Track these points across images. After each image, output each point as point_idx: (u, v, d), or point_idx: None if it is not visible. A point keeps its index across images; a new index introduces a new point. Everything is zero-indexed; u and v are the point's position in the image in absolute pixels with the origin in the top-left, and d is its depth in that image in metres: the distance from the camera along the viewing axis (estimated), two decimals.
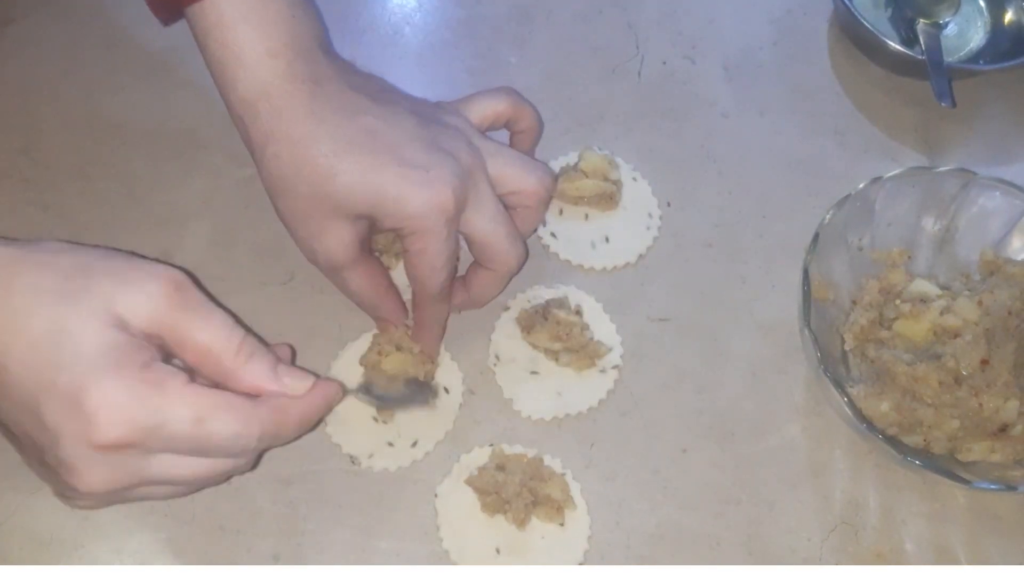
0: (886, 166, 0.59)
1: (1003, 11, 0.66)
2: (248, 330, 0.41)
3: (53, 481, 0.40)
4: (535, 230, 0.56)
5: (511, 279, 0.52)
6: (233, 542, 0.48)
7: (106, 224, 0.56)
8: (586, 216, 0.57)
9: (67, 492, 0.39)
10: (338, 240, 0.47)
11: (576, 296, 0.55)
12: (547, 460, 0.50)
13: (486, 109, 0.52)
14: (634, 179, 0.59)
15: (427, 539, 0.49)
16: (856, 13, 0.62)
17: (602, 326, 0.54)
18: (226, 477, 0.43)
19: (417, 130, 0.47)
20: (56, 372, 0.36)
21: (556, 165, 0.59)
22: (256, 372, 0.40)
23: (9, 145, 0.58)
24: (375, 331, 0.52)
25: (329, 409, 0.44)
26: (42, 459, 0.38)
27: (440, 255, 0.47)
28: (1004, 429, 0.50)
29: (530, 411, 0.52)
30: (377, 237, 0.54)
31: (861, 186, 0.53)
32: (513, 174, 0.49)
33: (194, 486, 0.43)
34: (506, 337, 0.53)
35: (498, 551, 0.48)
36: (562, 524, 0.48)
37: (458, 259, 0.50)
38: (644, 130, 0.62)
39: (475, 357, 0.53)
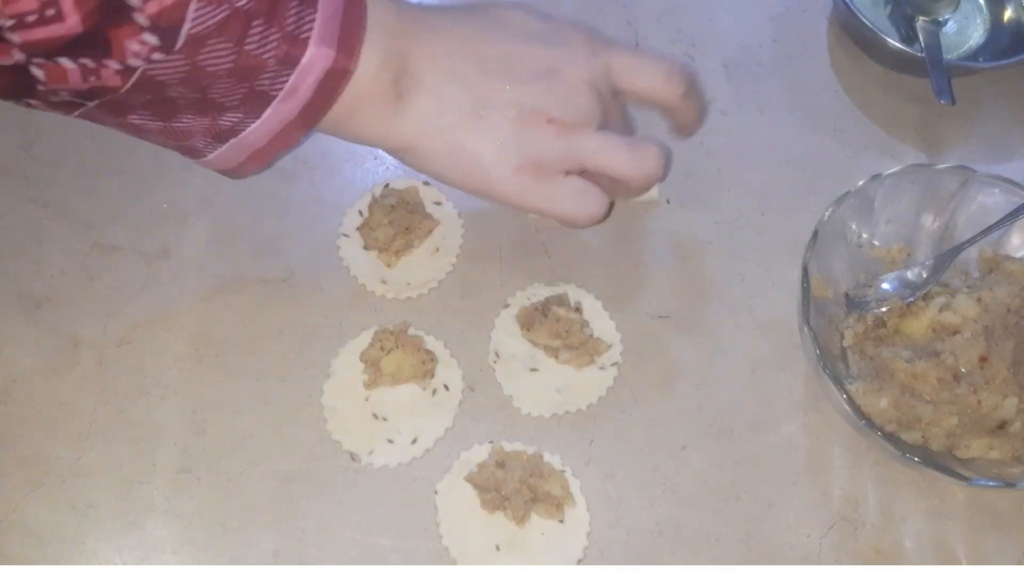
0: (885, 163, 0.59)
1: (1002, 8, 0.66)
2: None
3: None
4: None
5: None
6: (233, 539, 0.48)
7: (106, 221, 0.56)
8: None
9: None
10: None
11: (576, 293, 0.55)
12: (547, 457, 0.50)
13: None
14: None
15: (427, 536, 0.49)
16: (855, 10, 0.62)
17: (602, 323, 0.54)
18: None
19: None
20: None
21: None
22: None
23: (9, 142, 0.58)
24: (376, 328, 0.52)
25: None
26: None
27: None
28: (1003, 426, 0.50)
29: (530, 408, 0.52)
30: (376, 234, 0.54)
31: (860, 183, 0.53)
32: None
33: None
34: (506, 334, 0.53)
35: (498, 548, 0.48)
36: (562, 521, 0.49)
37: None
38: (643, 127, 0.62)
39: (475, 354, 0.53)
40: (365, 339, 0.52)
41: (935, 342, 0.51)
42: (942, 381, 0.49)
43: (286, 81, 0.41)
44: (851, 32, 0.65)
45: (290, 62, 0.41)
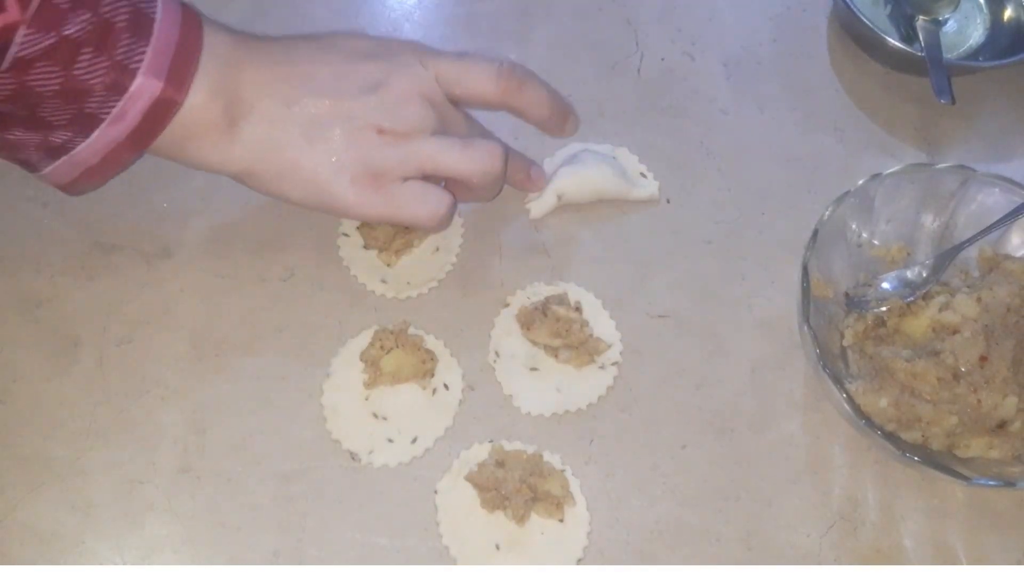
0: (885, 163, 0.59)
1: (1002, 8, 0.66)
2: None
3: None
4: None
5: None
6: (233, 538, 0.48)
7: (106, 221, 0.56)
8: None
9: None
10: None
11: (576, 292, 0.55)
12: (547, 456, 0.50)
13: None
14: (642, 174, 0.59)
15: (427, 535, 0.49)
16: (855, 10, 0.62)
17: (602, 322, 0.54)
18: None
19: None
20: None
21: (552, 163, 0.59)
22: None
23: None
24: (376, 327, 0.52)
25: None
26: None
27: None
28: (1002, 425, 0.50)
29: (530, 407, 0.52)
30: (376, 234, 0.54)
31: (860, 183, 0.53)
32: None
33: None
34: (506, 334, 0.53)
35: (498, 547, 0.48)
36: (562, 520, 0.49)
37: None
38: (643, 127, 0.62)
39: (475, 353, 0.53)
40: (365, 338, 0.52)
41: (935, 341, 0.51)
42: (942, 380, 0.49)
43: (114, 106, 0.44)
44: (851, 31, 0.65)
45: (118, 89, 0.43)
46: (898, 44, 0.62)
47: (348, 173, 0.48)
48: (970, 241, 0.53)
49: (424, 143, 0.49)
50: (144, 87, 0.44)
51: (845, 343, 0.53)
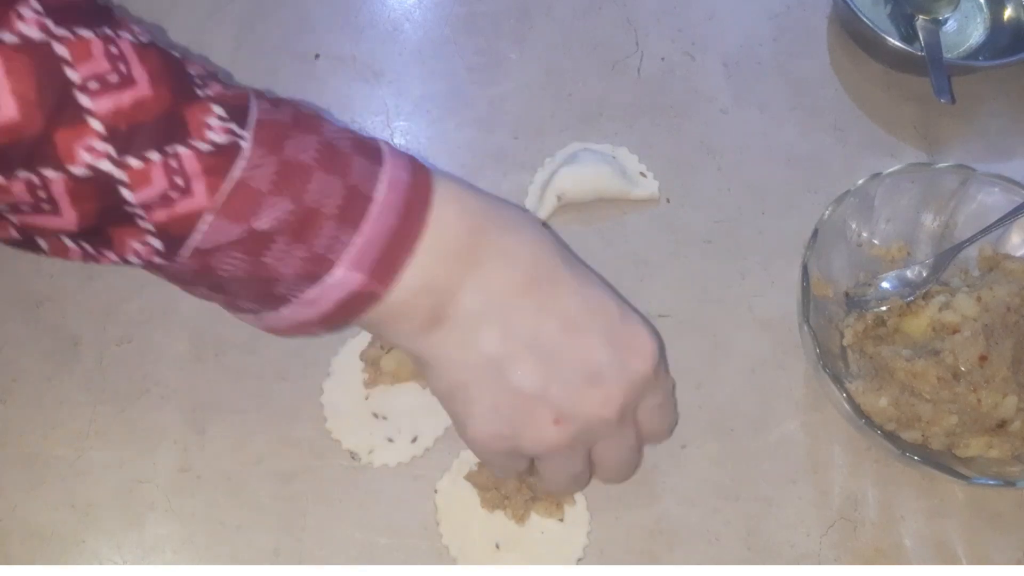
0: (885, 162, 0.59)
1: (1002, 7, 0.66)
2: None
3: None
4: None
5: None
6: (234, 537, 0.48)
7: None
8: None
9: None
10: None
11: None
12: None
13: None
14: (642, 174, 0.59)
15: (427, 535, 0.49)
16: (855, 9, 0.62)
17: None
18: None
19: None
20: None
21: (551, 163, 0.59)
22: None
23: None
24: None
25: None
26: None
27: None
28: (1002, 425, 0.50)
29: None
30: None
31: (860, 182, 0.53)
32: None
33: None
34: None
35: (498, 547, 0.48)
36: (561, 520, 0.49)
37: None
38: (643, 126, 0.62)
39: None
40: (365, 338, 0.52)
41: (935, 341, 0.51)
42: (942, 380, 0.49)
43: (304, 291, 0.37)
44: (851, 31, 0.65)
45: (312, 279, 0.36)
46: (898, 44, 0.62)
47: (495, 427, 0.41)
48: (970, 240, 0.53)
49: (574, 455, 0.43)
50: (344, 280, 0.36)
51: (845, 342, 0.53)
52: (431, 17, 0.66)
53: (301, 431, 0.51)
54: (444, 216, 0.38)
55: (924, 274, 0.53)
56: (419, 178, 0.38)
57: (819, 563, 0.49)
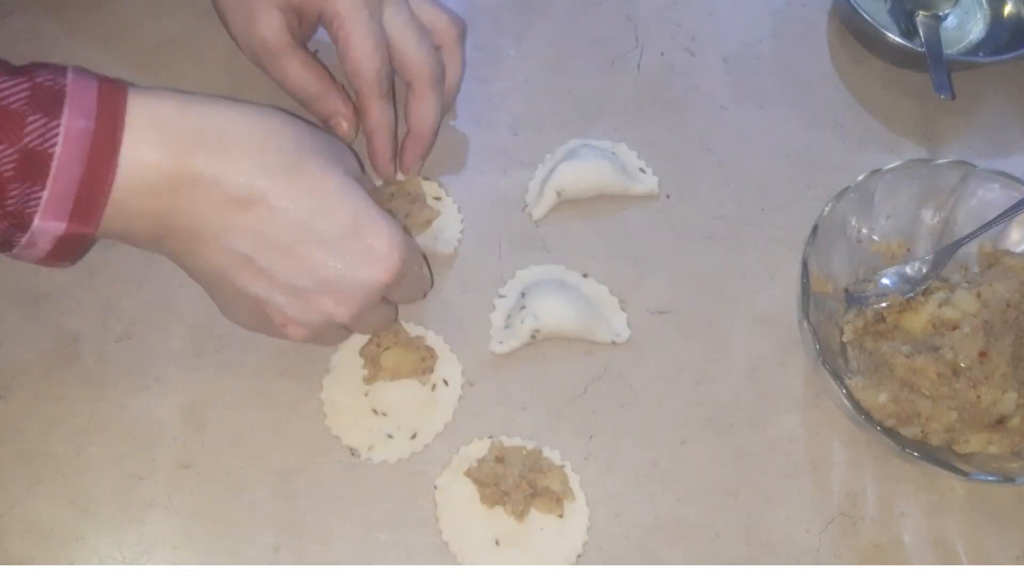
0: (885, 158, 0.59)
1: (1002, 3, 0.66)
2: None
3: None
4: (458, 79, 0.58)
5: (444, 103, 0.56)
6: (234, 534, 0.48)
7: None
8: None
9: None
10: (268, 24, 0.52)
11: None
12: (546, 452, 0.50)
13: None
14: (642, 170, 0.59)
15: (426, 531, 0.49)
16: (855, 5, 0.62)
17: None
18: None
19: None
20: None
21: (551, 159, 0.59)
22: None
23: None
24: None
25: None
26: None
27: (368, 36, 0.51)
28: (1002, 421, 0.50)
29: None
30: None
31: (860, 178, 0.53)
32: (429, 10, 0.55)
33: None
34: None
35: (497, 543, 0.48)
36: (561, 516, 0.49)
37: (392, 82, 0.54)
38: (643, 122, 0.62)
39: (474, 350, 0.53)
40: (365, 336, 0.52)
41: (934, 337, 0.51)
42: (941, 376, 0.49)
43: (20, 239, 0.40)
44: (851, 27, 0.65)
45: (22, 229, 0.40)
46: (898, 40, 0.62)
47: (239, 319, 0.48)
48: (970, 237, 0.53)
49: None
50: (47, 229, 0.40)
51: (845, 339, 0.53)
52: None
53: (301, 428, 0.51)
54: (139, 152, 0.40)
55: (924, 270, 0.53)
56: (105, 120, 0.40)
57: (818, 559, 0.49)
